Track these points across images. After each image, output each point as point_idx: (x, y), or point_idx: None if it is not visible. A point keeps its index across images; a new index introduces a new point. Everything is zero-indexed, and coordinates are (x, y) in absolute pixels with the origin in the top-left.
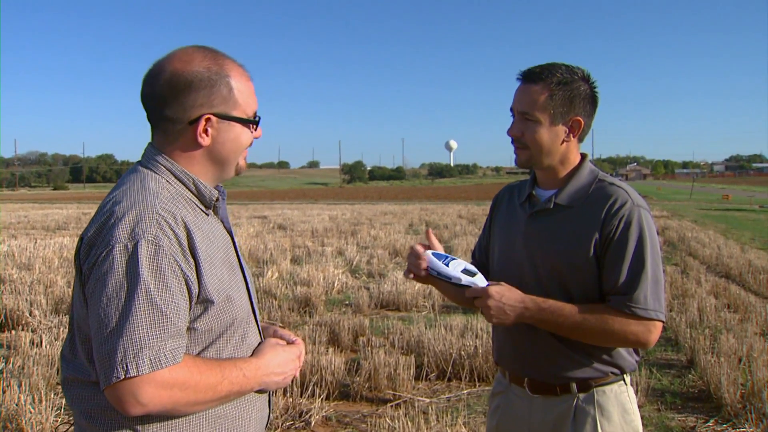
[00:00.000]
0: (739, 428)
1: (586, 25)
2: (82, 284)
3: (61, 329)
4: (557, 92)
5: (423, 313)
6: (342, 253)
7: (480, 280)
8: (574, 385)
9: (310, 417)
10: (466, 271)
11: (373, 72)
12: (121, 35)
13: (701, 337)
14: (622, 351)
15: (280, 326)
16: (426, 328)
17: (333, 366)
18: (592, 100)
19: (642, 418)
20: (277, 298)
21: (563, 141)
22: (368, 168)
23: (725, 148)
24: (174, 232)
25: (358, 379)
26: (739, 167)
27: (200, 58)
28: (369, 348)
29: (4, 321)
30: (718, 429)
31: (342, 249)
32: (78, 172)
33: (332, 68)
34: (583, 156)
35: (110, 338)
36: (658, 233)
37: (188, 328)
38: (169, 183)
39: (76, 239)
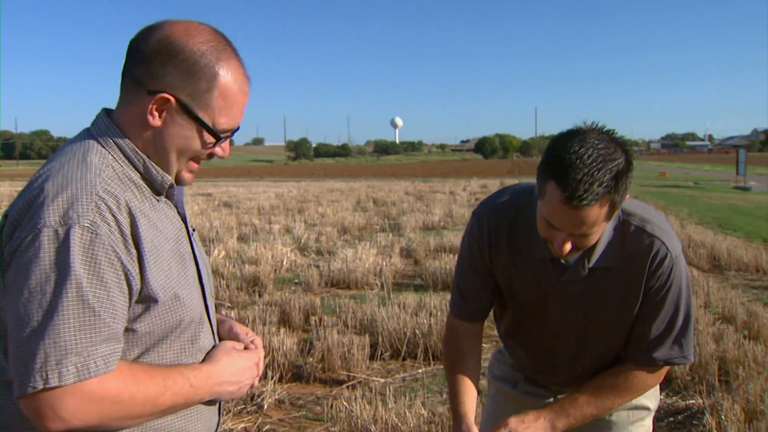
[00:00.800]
0: (688, 400)
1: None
2: (2, 271)
3: None
4: (618, 196)
5: (375, 290)
6: (290, 230)
7: None
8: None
9: (262, 400)
10: None
11: (318, 48)
12: (57, 4)
13: None
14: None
15: (234, 319)
16: (379, 306)
17: (285, 347)
18: (632, 167)
19: None
20: (224, 277)
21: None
22: (313, 145)
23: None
24: (115, 217)
25: (311, 360)
26: (674, 145)
27: (204, 40)
28: (321, 328)
29: None
30: (669, 401)
31: (290, 227)
32: (10, 148)
33: (276, 44)
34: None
35: (30, 340)
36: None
37: (126, 329)
38: (116, 161)
39: None
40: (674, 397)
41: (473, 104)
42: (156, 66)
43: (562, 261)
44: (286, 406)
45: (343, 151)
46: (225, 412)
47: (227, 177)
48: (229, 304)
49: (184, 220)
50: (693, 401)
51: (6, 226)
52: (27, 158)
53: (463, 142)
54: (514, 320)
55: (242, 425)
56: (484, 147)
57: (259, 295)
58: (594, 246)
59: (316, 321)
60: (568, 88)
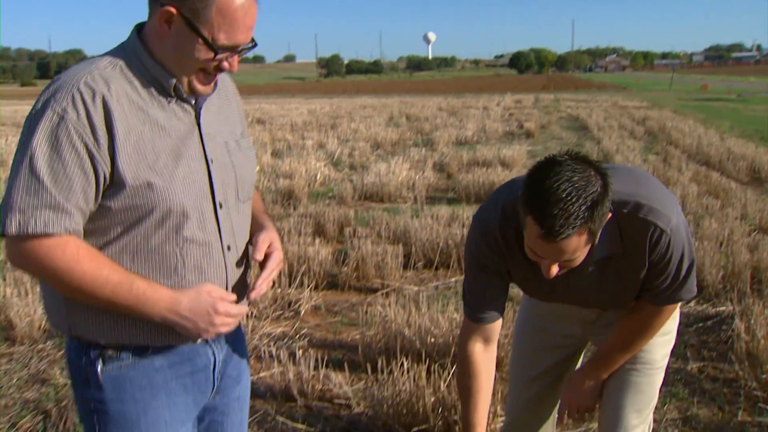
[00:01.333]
0: (719, 306)
1: None
2: None
3: None
4: (596, 224)
5: (408, 204)
6: (323, 146)
7: None
8: None
9: (299, 306)
10: None
11: None
12: None
13: None
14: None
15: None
16: (412, 218)
17: (320, 257)
18: (609, 190)
19: None
20: (259, 191)
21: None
22: (345, 62)
23: (705, 38)
24: (86, 108)
25: (345, 269)
26: (718, 57)
27: None
28: (355, 238)
29: None
30: (699, 308)
31: (323, 142)
32: (45, 68)
33: None
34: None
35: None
36: (638, 122)
37: (101, 206)
38: (128, 65)
39: None
40: (705, 305)
41: (508, 18)
42: None
43: None
44: (322, 312)
45: (375, 67)
46: (264, 318)
47: (259, 94)
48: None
49: (198, 125)
50: (723, 308)
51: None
52: None
53: (497, 57)
54: (532, 299)
55: (280, 329)
56: (518, 62)
57: (294, 208)
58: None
59: (350, 232)
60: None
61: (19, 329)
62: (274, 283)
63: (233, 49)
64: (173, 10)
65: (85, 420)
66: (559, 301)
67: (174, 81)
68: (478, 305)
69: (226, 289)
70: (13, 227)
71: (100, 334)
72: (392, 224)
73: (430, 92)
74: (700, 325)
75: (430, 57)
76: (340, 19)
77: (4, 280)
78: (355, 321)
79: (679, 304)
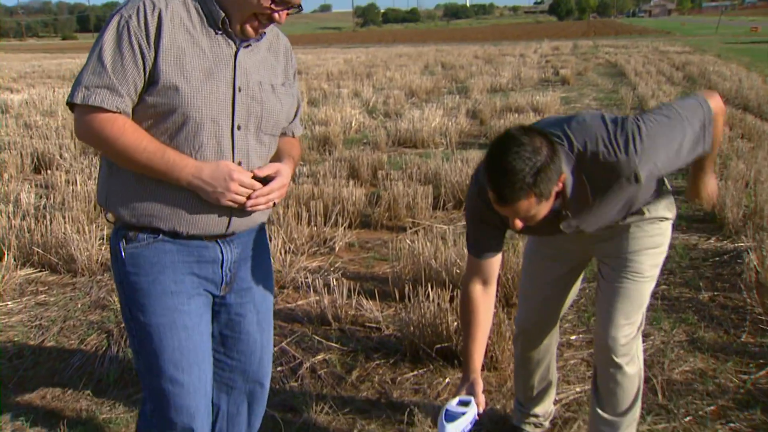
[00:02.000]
0: (737, 243)
1: None
2: None
3: (92, 170)
4: (542, 188)
5: (440, 149)
6: (358, 94)
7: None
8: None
9: (334, 243)
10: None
11: None
12: None
13: None
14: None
15: (288, 166)
16: (443, 161)
17: (354, 197)
18: (557, 156)
19: None
20: (300, 142)
21: (558, 197)
22: (382, 11)
23: None
24: (145, 18)
25: (378, 209)
26: None
27: None
28: (388, 180)
29: (37, 163)
30: (718, 245)
31: (358, 91)
32: (85, 21)
33: None
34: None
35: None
36: (678, 68)
37: (141, 98)
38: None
39: None
40: (725, 241)
41: None
42: None
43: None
44: (355, 248)
45: (412, 16)
46: (301, 254)
47: (296, 45)
48: (301, 162)
49: (235, 59)
50: (741, 244)
51: None
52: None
53: (536, 3)
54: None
55: (316, 263)
56: (558, 8)
57: (329, 153)
58: (566, 198)
59: (382, 175)
60: None
61: (80, 262)
62: (309, 220)
63: (285, 4)
64: None
65: (118, 289)
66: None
67: (223, 15)
68: (480, 245)
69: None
70: (78, 98)
71: (124, 211)
72: (423, 167)
73: (467, 40)
74: (717, 259)
75: (467, 5)
76: None
77: (64, 219)
78: (386, 256)
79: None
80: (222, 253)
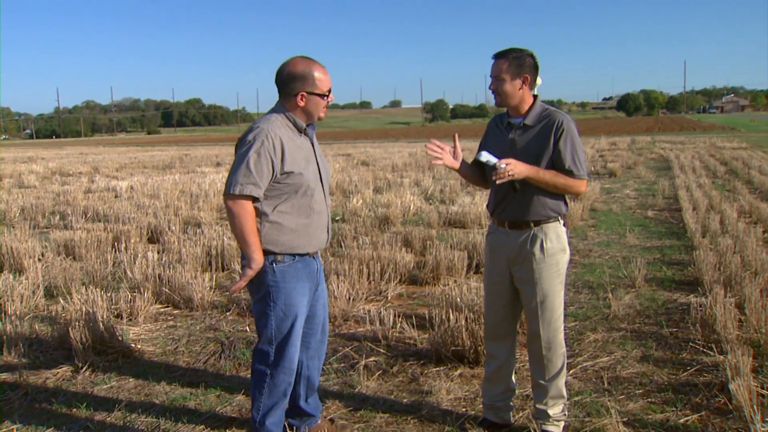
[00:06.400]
0: (701, 297)
1: None
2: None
3: (197, 237)
4: (513, 62)
5: (484, 229)
6: (418, 184)
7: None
8: (532, 223)
9: (387, 293)
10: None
11: (453, 8)
12: None
13: (698, 235)
14: (561, 203)
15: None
16: (482, 235)
17: (405, 260)
18: (534, 67)
19: (637, 296)
20: (361, 217)
21: (520, 89)
22: (450, 106)
23: None
24: (272, 141)
25: (424, 270)
26: None
27: (300, 63)
28: (433, 248)
29: (150, 234)
30: (695, 300)
31: (419, 180)
32: (169, 116)
33: (411, 7)
34: (535, 97)
35: (229, 175)
36: (725, 162)
37: (276, 182)
38: (283, 118)
39: (184, 176)
40: (700, 297)
41: (617, 59)
42: (292, 84)
43: (510, 121)
44: (404, 297)
45: (480, 111)
46: (360, 299)
47: (365, 139)
48: (364, 236)
49: (313, 145)
50: (704, 298)
51: (239, 141)
52: (182, 125)
53: (605, 99)
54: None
55: (372, 306)
56: (627, 104)
57: (388, 229)
58: (527, 116)
59: (429, 244)
60: (720, 38)
61: (195, 301)
62: (368, 276)
63: (326, 95)
64: (304, 93)
65: (262, 300)
66: (507, 149)
67: (304, 125)
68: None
69: (328, 226)
70: (236, 190)
71: (272, 245)
72: (464, 239)
73: None
74: (685, 308)
75: None
76: (445, 64)
77: (183, 266)
78: (428, 302)
79: (575, 185)
80: (317, 265)
